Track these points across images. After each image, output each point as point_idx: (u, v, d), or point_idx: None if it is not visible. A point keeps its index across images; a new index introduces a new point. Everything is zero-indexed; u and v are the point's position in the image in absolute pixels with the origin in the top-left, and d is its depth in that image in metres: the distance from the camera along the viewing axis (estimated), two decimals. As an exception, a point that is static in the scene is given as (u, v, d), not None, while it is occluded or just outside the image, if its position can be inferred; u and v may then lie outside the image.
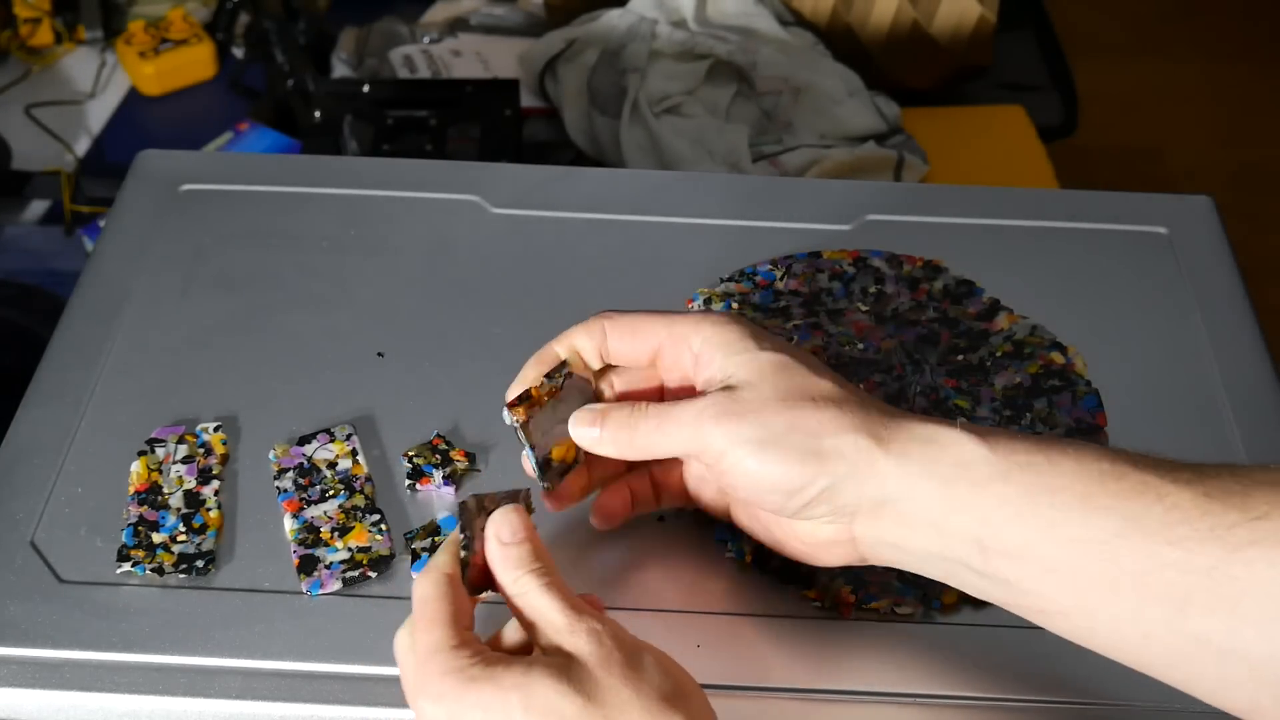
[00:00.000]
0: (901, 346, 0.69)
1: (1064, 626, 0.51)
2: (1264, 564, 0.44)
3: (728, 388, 0.53)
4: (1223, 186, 1.00)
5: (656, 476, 0.59)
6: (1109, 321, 0.72)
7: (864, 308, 0.71)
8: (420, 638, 0.49)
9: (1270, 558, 0.44)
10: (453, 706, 0.47)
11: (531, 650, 0.50)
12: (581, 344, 0.57)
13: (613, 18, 1.13)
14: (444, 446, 0.64)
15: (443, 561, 0.51)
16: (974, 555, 0.50)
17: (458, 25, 1.24)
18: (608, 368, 0.58)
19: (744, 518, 0.58)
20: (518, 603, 0.50)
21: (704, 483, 0.58)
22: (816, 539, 0.54)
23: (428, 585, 0.50)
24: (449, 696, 0.48)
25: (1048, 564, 0.49)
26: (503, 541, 0.51)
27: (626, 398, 0.57)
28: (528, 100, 1.13)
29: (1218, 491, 0.46)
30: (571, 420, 0.56)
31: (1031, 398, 0.67)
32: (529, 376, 0.56)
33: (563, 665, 0.47)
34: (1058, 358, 0.69)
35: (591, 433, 0.55)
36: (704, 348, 0.54)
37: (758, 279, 0.73)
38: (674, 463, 0.59)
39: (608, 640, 0.48)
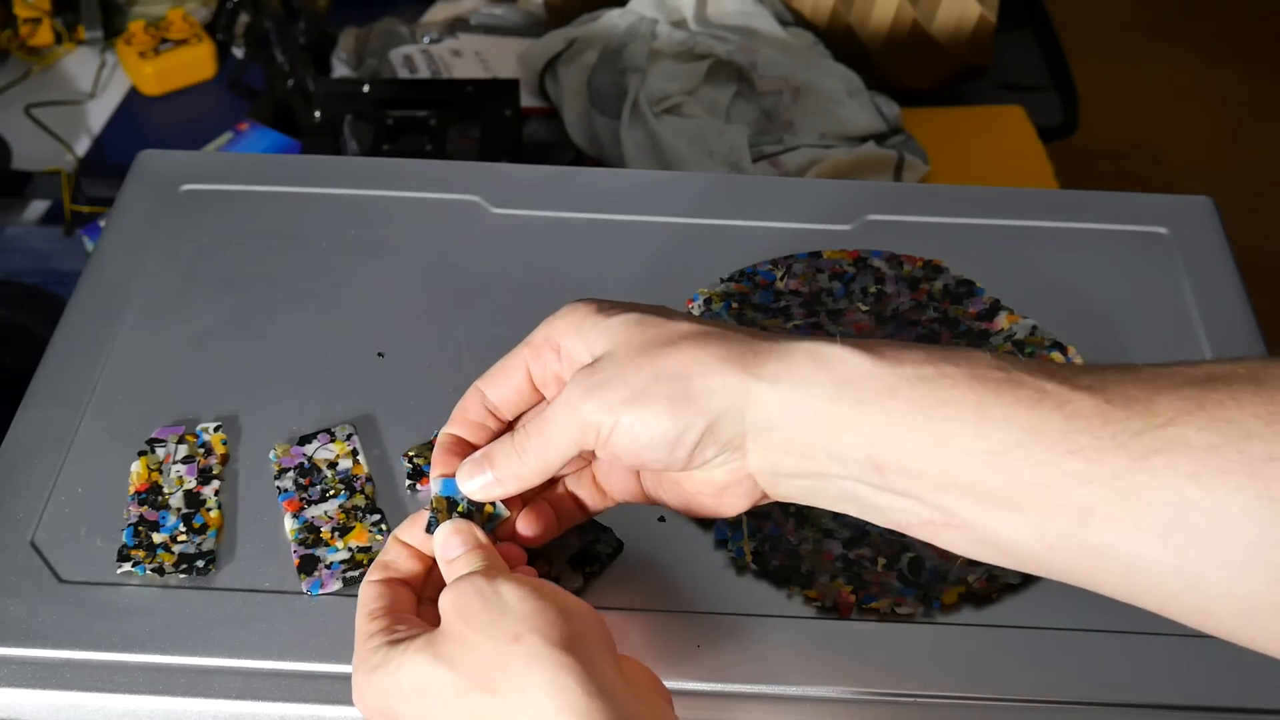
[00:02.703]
0: (901, 346, 0.69)
1: (967, 542, 0.48)
2: (1168, 472, 0.42)
3: (585, 365, 0.51)
4: (1223, 186, 1.00)
5: (570, 489, 0.57)
6: (1109, 321, 0.72)
7: (864, 308, 0.71)
8: (368, 603, 0.52)
9: (1175, 464, 0.42)
10: (370, 697, 0.50)
11: None
12: (470, 414, 0.55)
13: (613, 18, 1.13)
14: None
15: (373, 566, 0.54)
16: (869, 473, 0.48)
17: (458, 25, 1.24)
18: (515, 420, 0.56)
19: (654, 490, 0.55)
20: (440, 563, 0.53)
21: (610, 471, 0.56)
22: (715, 485, 0.51)
23: (363, 587, 0.53)
24: (362, 687, 0.50)
25: (944, 479, 0.46)
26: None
27: None
28: (528, 100, 1.13)
29: (1120, 398, 0.44)
30: (459, 478, 0.54)
31: None
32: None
33: (430, 637, 0.49)
34: (1058, 358, 0.69)
35: (485, 479, 0.53)
36: (561, 340, 0.52)
37: (758, 279, 0.73)
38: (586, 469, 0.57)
39: (466, 590, 0.49)
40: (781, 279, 0.73)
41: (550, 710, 0.45)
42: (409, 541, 0.54)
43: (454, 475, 0.54)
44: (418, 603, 0.53)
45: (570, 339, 0.52)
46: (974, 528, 0.47)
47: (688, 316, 0.52)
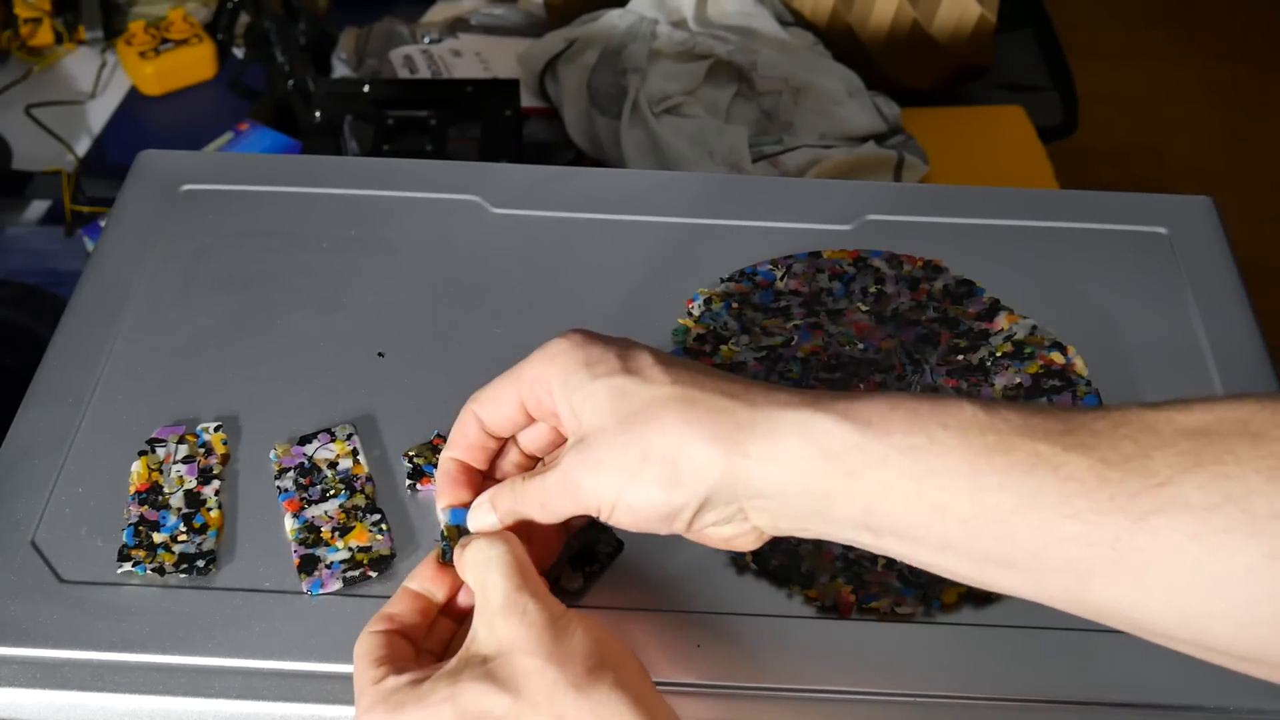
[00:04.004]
0: (902, 346, 0.69)
1: (967, 584, 0.49)
2: (1169, 531, 0.42)
3: (580, 439, 0.51)
4: (1223, 186, 1.00)
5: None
6: (1109, 321, 0.72)
7: (864, 308, 0.71)
8: (356, 681, 0.52)
9: (1176, 524, 0.42)
10: None
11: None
12: (469, 438, 0.56)
13: (613, 18, 1.13)
14: (444, 446, 0.64)
15: (375, 618, 0.54)
16: (865, 535, 0.48)
17: (458, 25, 1.24)
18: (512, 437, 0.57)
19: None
20: (464, 574, 0.53)
21: None
22: (722, 535, 0.52)
23: (362, 638, 0.53)
24: None
25: (940, 542, 0.47)
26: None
27: (534, 457, 0.58)
28: (528, 100, 1.13)
29: (1114, 456, 0.43)
30: (470, 517, 0.56)
31: (1031, 398, 0.67)
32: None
33: (487, 667, 0.49)
34: (1058, 358, 0.69)
35: (490, 519, 0.55)
36: (551, 386, 0.53)
37: (758, 279, 0.73)
38: None
39: (532, 618, 0.49)
40: (781, 279, 0.73)
41: None
42: (419, 587, 0.55)
43: (460, 505, 0.56)
44: (416, 655, 0.54)
45: (558, 390, 0.52)
46: (973, 579, 0.48)
47: (667, 368, 0.51)
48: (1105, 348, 0.70)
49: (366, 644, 0.52)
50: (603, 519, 0.51)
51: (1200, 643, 0.44)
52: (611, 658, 0.49)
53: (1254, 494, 0.41)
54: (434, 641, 0.55)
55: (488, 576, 0.51)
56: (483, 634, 0.50)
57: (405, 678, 0.50)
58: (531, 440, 0.57)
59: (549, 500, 0.52)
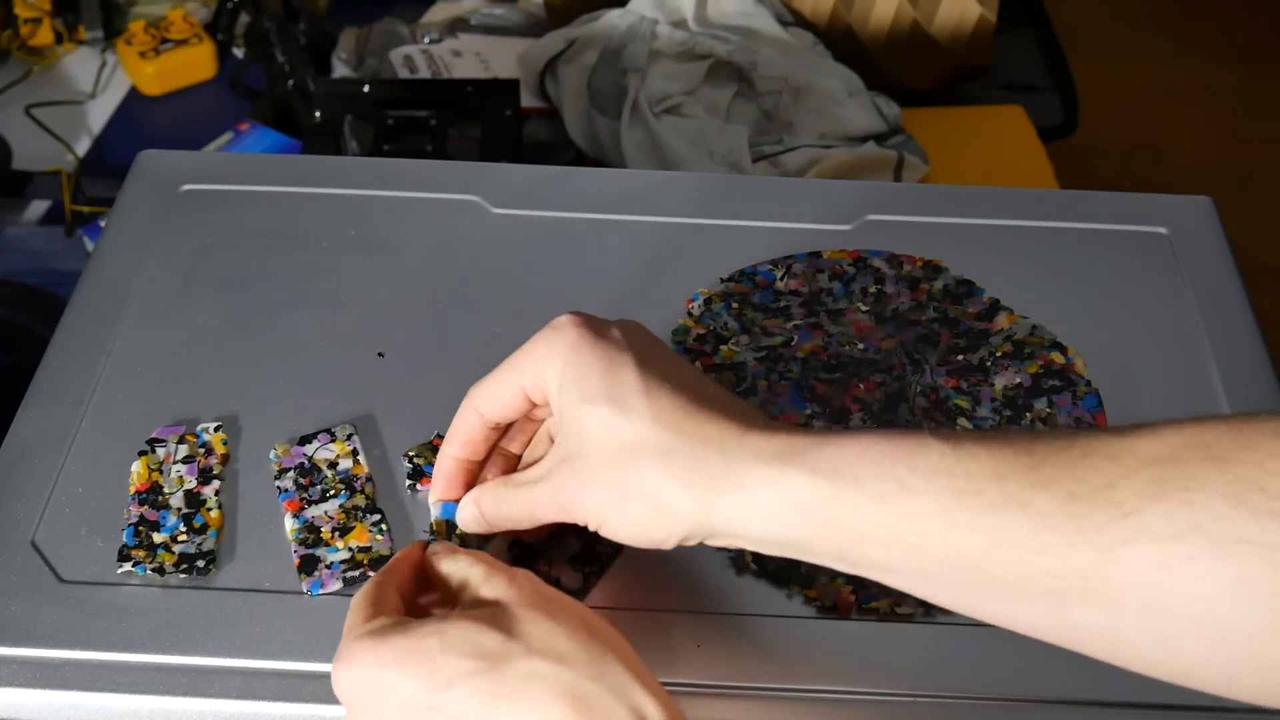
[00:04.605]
0: (902, 346, 0.69)
1: (950, 610, 0.50)
2: (1137, 560, 0.43)
3: (567, 457, 0.52)
4: (1223, 186, 1.00)
5: None
6: (1109, 321, 0.72)
7: (864, 308, 0.71)
8: (346, 627, 0.51)
9: (1144, 554, 0.43)
10: (366, 667, 0.48)
11: None
12: (470, 433, 0.57)
13: (613, 18, 1.13)
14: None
15: (374, 577, 0.53)
16: (843, 567, 0.50)
17: (458, 25, 1.24)
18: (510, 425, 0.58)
19: None
20: (440, 568, 0.53)
21: None
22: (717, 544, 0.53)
23: (358, 593, 0.52)
24: (359, 658, 0.48)
25: (919, 576, 0.48)
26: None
27: (514, 454, 0.59)
28: (528, 100, 1.13)
29: (1082, 490, 0.44)
30: (459, 515, 0.58)
31: (1031, 398, 0.67)
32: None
33: (481, 611, 0.49)
34: (1058, 358, 0.69)
35: (473, 514, 0.57)
36: (548, 390, 0.54)
37: (758, 279, 0.73)
38: None
39: (526, 585, 0.50)
40: (781, 279, 0.73)
41: (624, 691, 0.47)
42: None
43: (453, 500, 0.58)
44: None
45: (552, 396, 0.54)
46: (955, 607, 0.49)
47: (650, 401, 0.51)
48: (1105, 348, 0.70)
49: (361, 594, 0.52)
50: (592, 530, 0.53)
51: (1176, 663, 0.45)
52: (605, 632, 0.50)
53: (1219, 519, 0.42)
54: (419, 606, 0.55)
55: (449, 557, 0.53)
56: (468, 598, 0.51)
57: (393, 619, 0.50)
58: (511, 440, 0.59)
59: (537, 510, 0.54)
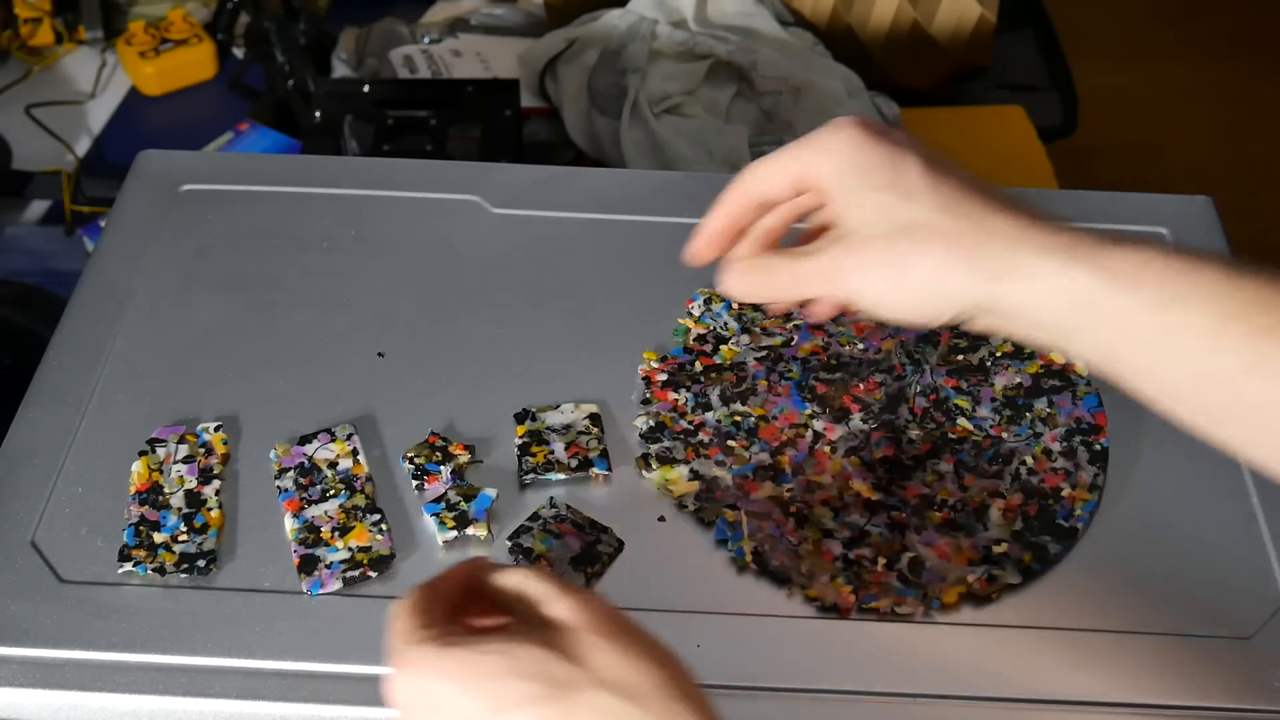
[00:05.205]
0: (901, 346, 0.69)
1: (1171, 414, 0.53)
2: None
3: (844, 236, 0.54)
4: (1223, 186, 1.00)
5: None
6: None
7: None
8: (393, 635, 0.48)
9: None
10: (427, 676, 0.46)
11: None
12: (742, 202, 0.59)
13: (613, 18, 1.13)
14: (441, 443, 0.64)
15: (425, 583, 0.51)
16: (1101, 366, 0.52)
17: (458, 25, 1.24)
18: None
19: None
20: (499, 581, 0.50)
21: None
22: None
23: (403, 600, 0.50)
24: (422, 665, 0.46)
25: (1170, 390, 0.51)
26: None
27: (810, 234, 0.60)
28: (528, 100, 1.13)
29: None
30: (726, 280, 0.58)
31: (1032, 398, 0.67)
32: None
33: (547, 632, 0.47)
34: (1057, 357, 0.69)
35: (739, 288, 0.58)
36: (825, 181, 0.55)
37: None
38: None
39: (599, 609, 0.48)
40: None
41: None
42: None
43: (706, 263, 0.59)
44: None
45: (830, 184, 0.55)
46: (1194, 427, 0.51)
47: (935, 188, 0.53)
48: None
49: (408, 600, 0.49)
50: (851, 306, 0.55)
51: None
52: (669, 658, 0.48)
53: None
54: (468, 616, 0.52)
55: (513, 573, 0.50)
56: (531, 615, 0.49)
57: (453, 629, 0.48)
58: (779, 216, 0.60)
59: (803, 281, 0.56)
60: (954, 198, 0.53)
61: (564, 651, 0.46)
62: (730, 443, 0.65)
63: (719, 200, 0.59)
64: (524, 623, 0.48)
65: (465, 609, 0.51)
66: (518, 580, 0.50)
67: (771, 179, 0.57)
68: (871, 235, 0.54)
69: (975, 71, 1.22)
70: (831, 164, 0.55)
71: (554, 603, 0.48)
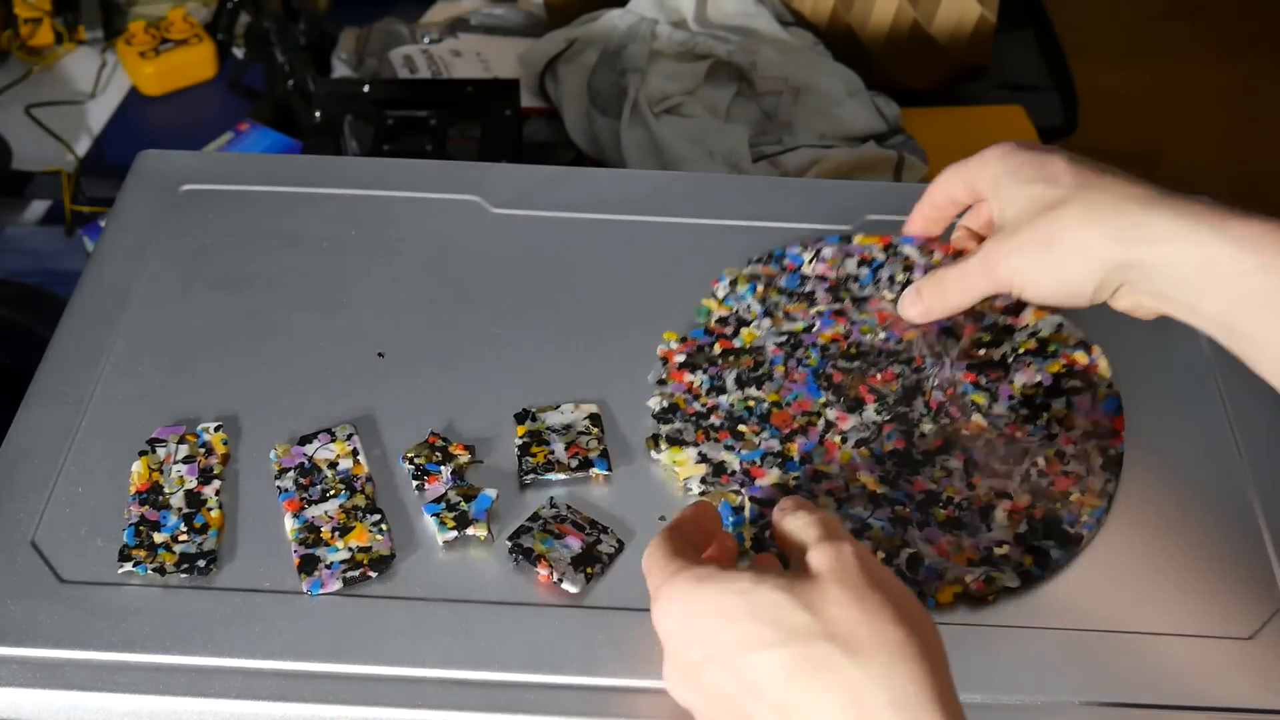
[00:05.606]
0: (923, 338, 0.69)
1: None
2: None
3: (1000, 229, 0.63)
4: (1223, 186, 1.00)
5: None
6: (1109, 320, 0.72)
7: (890, 295, 0.71)
8: (652, 572, 0.52)
9: None
10: (685, 605, 0.50)
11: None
12: (936, 204, 0.70)
13: (613, 18, 1.13)
14: (441, 443, 0.64)
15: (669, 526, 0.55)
16: (1221, 334, 0.58)
17: (458, 25, 1.24)
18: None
19: None
20: (783, 524, 0.54)
21: None
22: (1122, 307, 0.62)
23: (690, 510, 0.56)
24: (682, 596, 0.50)
25: None
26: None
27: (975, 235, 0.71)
28: (528, 100, 1.13)
29: None
30: (900, 306, 0.69)
31: (1050, 398, 0.67)
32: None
33: (793, 580, 0.49)
34: (1081, 357, 0.69)
35: (918, 308, 0.68)
36: (982, 187, 0.65)
37: (785, 262, 0.73)
38: None
39: (851, 562, 0.49)
40: (810, 263, 0.73)
41: (909, 698, 0.45)
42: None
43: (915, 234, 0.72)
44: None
45: (988, 188, 0.65)
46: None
47: (1077, 173, 0.61)
48: (1105, 347, 0.70)
49: (659, 542, 0.53)
50: (1013, 294, 0.63)
51: None
52: (916, 617, 0.48)
53: None
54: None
55: (791, 514, 0.54)
56: (799, 562, 0.51)
57: (708, 566, 0.51)
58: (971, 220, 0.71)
59: (969, 282, 0.65)
60: (1093, 175, 0.61)
61: (802, 601, 0.48)
62: (741, 427, 0.65)
63: (923, 197, 0.70)
64: (794, 569, 0.51)
65: (703, 547, 0.55)
66: (800, 525, 0.53)
67: (946, 184, 0.68)
68: (1020, 221, 0.62)
69: (975, 71, 1.22)
70: (988, 172, 0.65)
71: (815, 550, 0.50)
